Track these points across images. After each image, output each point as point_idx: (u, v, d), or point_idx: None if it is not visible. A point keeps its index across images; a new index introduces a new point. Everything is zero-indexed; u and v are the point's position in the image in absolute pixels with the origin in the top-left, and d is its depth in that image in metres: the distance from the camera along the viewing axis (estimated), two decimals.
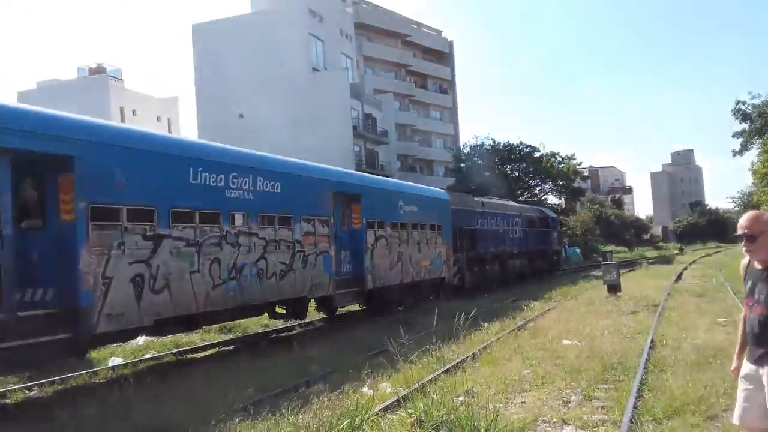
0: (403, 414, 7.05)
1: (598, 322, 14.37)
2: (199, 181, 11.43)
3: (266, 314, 14.81)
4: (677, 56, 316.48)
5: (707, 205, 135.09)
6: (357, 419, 6.52)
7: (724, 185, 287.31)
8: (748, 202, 75.82)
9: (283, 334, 16.89)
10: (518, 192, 54.03)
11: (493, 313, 17.20)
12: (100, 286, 9.27)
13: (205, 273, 11.36)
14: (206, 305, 11.37)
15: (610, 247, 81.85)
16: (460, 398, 8.22)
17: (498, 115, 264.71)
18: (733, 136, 36.96)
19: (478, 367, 10.61)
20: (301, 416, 6.80)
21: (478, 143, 57.01)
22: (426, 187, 25.93)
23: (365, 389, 9.02)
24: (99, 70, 58.40)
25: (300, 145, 36.48)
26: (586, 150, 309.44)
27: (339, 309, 17.81)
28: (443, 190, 26.07)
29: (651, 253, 67.97)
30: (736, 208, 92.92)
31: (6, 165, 8.33)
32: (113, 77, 57.67)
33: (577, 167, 58.17)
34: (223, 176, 11.97)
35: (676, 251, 65.83)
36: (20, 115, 8.88)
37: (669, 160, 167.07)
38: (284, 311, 14.97)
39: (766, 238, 3.79)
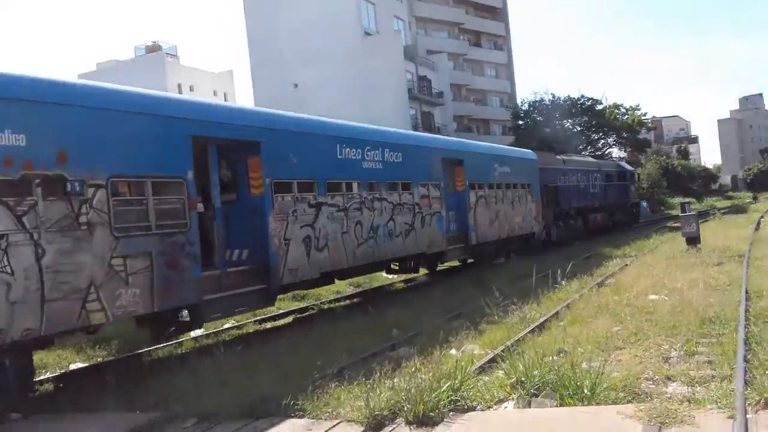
0: (501, 375, 6.90)
1: (683, 275, 13.84)
2: (344, 156, 13.73)
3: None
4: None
5: None
6: (456, 381, 6.38)
7: None
8: None
9: (356, 299, 16.98)
10: (580, 147, 52.59)
11: (574, 268, 16.87)
12: (282, 247, 11.62)
13: (351, 234, 13.62)
14: (353, 261, 13.71)
15: (677, 199, 79.29)
16: (552, 358, 8.00)
17: (555, 69, 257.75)
18: None
19: (564, 326, 10.32)
20: (396, 380, 6.72)
21: (538, 99, 55.54)
22: (516, 148, 28.27)
23: (452, 351, 8.91)
24: (155, 48, 59.32)
25: (356, 111, 36.24)
26: (648, 100, 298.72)
27: (440, 265, 19.15)
28: (531, 151, 26.97)
29: (722, 203, 65.42)
30: None
31: (214, 151, 10.54)
32: (169, 54, 58.51)
33: (642, 118, 56.14)
34: (360, 150, 14.22)
35: (749, 200, 63.14)
36: (220, 110, 11.81)
37: (736, 106, 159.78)
38: (397, 267, 17.20)
39: None
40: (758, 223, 29.71)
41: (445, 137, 20.89)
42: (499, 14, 71.44)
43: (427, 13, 61.16)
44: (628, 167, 40.75)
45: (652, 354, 7.96)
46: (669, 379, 6.95)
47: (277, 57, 49.30)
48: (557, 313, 11.28)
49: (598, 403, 6.05)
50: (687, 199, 45.29)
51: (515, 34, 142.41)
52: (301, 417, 6.44)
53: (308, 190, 12.49)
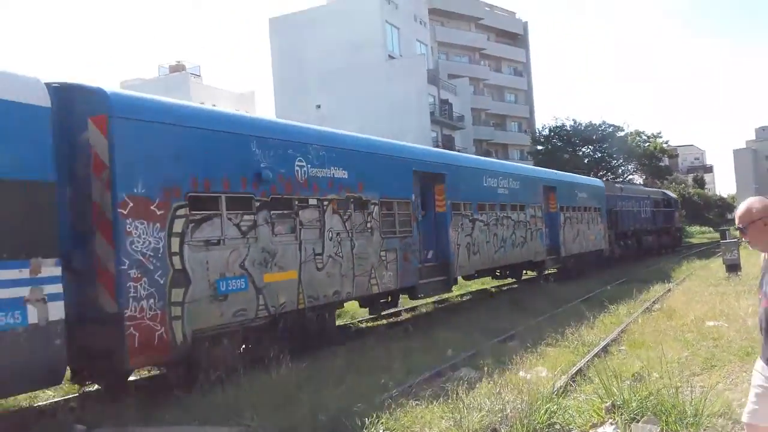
0: (593, 398, 6.62)
1: (737, 302, 13.51)
2: (487, 184, 18.04)
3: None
4: (758, 28, 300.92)
5: None
6: (553, 405, 6.12)
7: None
8: None
9: (392, 319, 16.72)
10: (601, 173, 52.37)
11: (617, 291, 16.63)
12: (455, 250, 15.71)
13: (491, 242, 17.74)
14: (491, 263, 18.06)
15: (695, 228, 78.60)
16: (629, 383, 7.71)
17: (573, 96, 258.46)
18: None
19: (626, 350, 10.07)
20: (483, 400, 6.45)
21: (558, 124, 55.46)
22: (589, 178, 34.21)
23: (521, 373, 8.63)
24: (179, 68, 59.73)
25: (379, 133, 36.11)
26: (666, 128, 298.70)
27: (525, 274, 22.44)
28: (599, 180, 32.98)
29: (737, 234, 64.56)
30: None
31: (417, 180, 14.49)
32: (192, 74, 58.89)
33: (664, 145, 55.87)
34: (496, 180, 18.60)
35: None
36: (425, 152, 16.83)
37: (752, 136, 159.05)
38: (499, 274, 20.68)
39: (755, 228, 3.53)
40: None
41: (543, 169, 27.05)
42: (519, 41, 71.82)
43: (449, 38, 61.57)
44: (673, 195, 45.24)
45: (734, 380, 7.67)
46: None
47: (300, 78, 49.62)
48: (616, 337, 10.99)
49: (704, 430, 5.76)
50: (700, 228, 45.47)
51: (535, 60, 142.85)
52: None
53: (468, 209, 16.76)
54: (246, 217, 9.46)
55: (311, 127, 12.69)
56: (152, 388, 8.26)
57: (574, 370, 8.52)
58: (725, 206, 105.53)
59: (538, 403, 6.13)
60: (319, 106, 48.49)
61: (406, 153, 14.77)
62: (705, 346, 9.62)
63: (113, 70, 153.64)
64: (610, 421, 6.18)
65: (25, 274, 6.59)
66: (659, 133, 56.43)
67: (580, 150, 55.02)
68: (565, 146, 54.26)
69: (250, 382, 8.15)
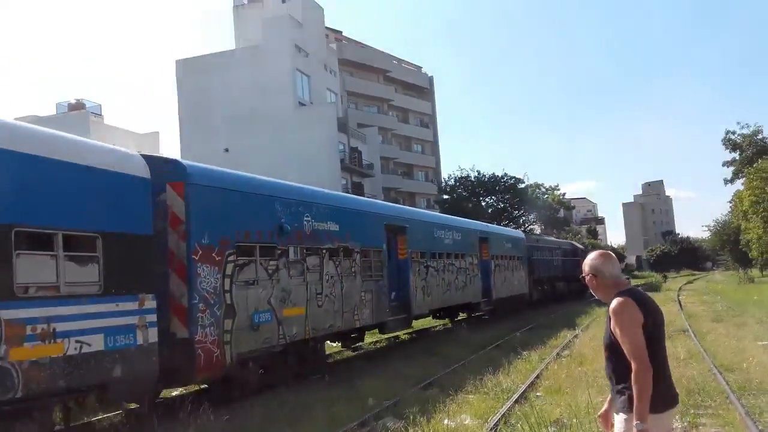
0: None
1: None
2: (437, 236, 20.67)
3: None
4: (650, 93, 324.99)
5: (678, 233, 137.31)
6: None
7: (691, 215, 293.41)
8: (723, 230, 77.27)
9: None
10: (504, 223, 54.16)
11: (528, 338, 16.97)
12: (414, 292, 17.91)
13: (441, 286, 20.20)
14: (441, 303, 20.40)
15: None
16: (550, 429, 7.84)
17: (477, 146, 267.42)
18: (723, 164, 37.67)
19: (543, 396, 10.25)
20: None
21: (463, 175, 57.17)
22: (513, 230, 37.97)
23: (446, 422, 8.58)
24: (78, 106, 57.47)
25: (287, 179, 35.97)
26: (562, 180, 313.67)
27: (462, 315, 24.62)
28: (521, 232, 36.22)
29: (635, 281, 68.26)
30: (709, 236, 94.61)
31: (386, 232, 16.70)
32: (93, 113, 56.78)
33: (561, 198, 58.60)
34: (444, 232, 21.21)
35: (662, 279, 66.51)
36: (393, 208, 20.27)
37: (640, 191, 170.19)
38: (439, 315, 22.68)
39: (590, 281, 3.85)
40: (679, 301, 31.05)
41: (478, 222, 29.77)
42: (426, 94, 74.10)
43: (359, 88, 62.72)
44: (580, 245, 48.89)
45: None
46: None
47: (207, 120, 48.81)
48: (532, 382, 11.18)
49: None
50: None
51: (441, 112, 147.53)
52: None
53: (423, 257, 19.05)
54: (272, 262, 11.73)
55: (314, 188, 15.08)
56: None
57: (497, 417, 8.56)
58: (617, 255, 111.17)
59: None
60: (227, 150, 47.73)
61: (379, 209, 18.06)
62: None
63: (6, 104, 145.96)
64: None
65: (135, 306, 8.55)
66: (557, 185, 59.47)
67: (484, 200, 56.80)
68: (470, 196, 55.89)
69: None
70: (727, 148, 36.17)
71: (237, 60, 49.76)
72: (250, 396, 10.81)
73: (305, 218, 12.86)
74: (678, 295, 37.22)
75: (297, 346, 12.33)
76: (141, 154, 9.40)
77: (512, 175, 57.24)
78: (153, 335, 8.71)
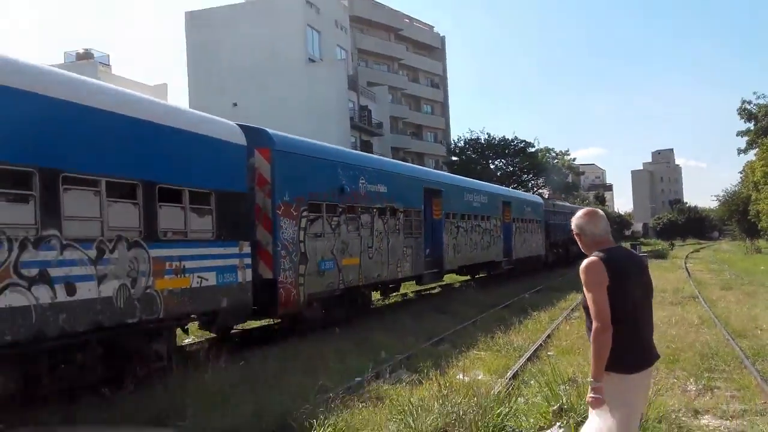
0: (541, 402, 6.65)
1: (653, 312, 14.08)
2: (467, 199, 22.47)
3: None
4: (665, 58, 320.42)
5: (686, 203, 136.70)
6: (507, 408, 6.09)
7: (700, 185, 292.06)
8: (732, 200, 76.80)
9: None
10: (513, 186, 53.95)
11: (537, 302, 17.01)
12: (446, 248, 19.71)
13: (468, 245, 22.05)
14: (469, 261, 22.27)
15: None
16: (565, 387, 7.83)
17: (487, 109, 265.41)
18: (737, 134, 37.14)
19: (555, 355, 10.26)
20: (434, 403, 6.34)
21: (473, 137, 56.73)
22: (532, 195, 40.04)
23: (459, 376, 8.61)
24: (86, 56, 56.88)
25: (298, 134, 35.63)
26: (570, 146, 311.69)
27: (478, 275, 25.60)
28: (540, 197, 39.21)
29: (643, 248, 68.23)
30: (717, 206, 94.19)
31: (424, 194, 18.58)
32: (101, 63, 56.23)
33: (572, 163, 58.20)
34: (473, 195, 23.20)
35: (668, 247, 66.46)
36: (430, 173, 22.18)
37: (649, 159, 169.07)
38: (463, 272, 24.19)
39: (578, 239, 3.97)
40: (687, 269, 31.02)
41: (502, 187, 33.59)
42: (437, 54, 72.99)
43: (369, 46, 61.78)
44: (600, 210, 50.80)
45: (664, 387, 7.92)
46: (698, 412, 6.91)
47: (216, 74, 48.37)
48: (543, 342, 11.21)
49: None
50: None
51: (452, 73, 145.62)
52: None
53: (455, 218, 20.94)
54: (334, 218, 13.68)
55: (368, 155, 19.21)
56: (76, 388, 7.65)
57: (510, 373, 8.59)
58: (623, 222, 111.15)
59: (490, 406, 6.08)
60: (235, 104, 47.33)
61: (419, 173, 20.41)
62: None
63: (14, 53, 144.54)
64: (558, 424, 6.21)
65: (236, 250, 10.51)
66: (567, 150, 58.96)
67: (493, 163, 56.49)
68: (479, 159, 55.57)
69: (181, 382, 7.71)
70: (742, 118, 35.63)
71: (247, 13, 49.02)
72: (270, 343, 10.99)
73: (360, 181, 14.87)
74: (685, 263, 37.18)
75: (351, 291, 14.36)
76: (237, 124, 11.29)
77: (522, 138, 56.84)
78: (248, 275, 10.76)
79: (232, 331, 12.62)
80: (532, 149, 56.38)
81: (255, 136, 11.62)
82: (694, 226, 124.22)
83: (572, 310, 15.71)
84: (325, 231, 13.21)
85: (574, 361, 9.42)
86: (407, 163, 21.52)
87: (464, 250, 21.55)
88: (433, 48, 72.55)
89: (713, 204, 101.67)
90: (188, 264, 9.28)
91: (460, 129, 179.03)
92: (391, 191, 16.12)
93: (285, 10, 48.33)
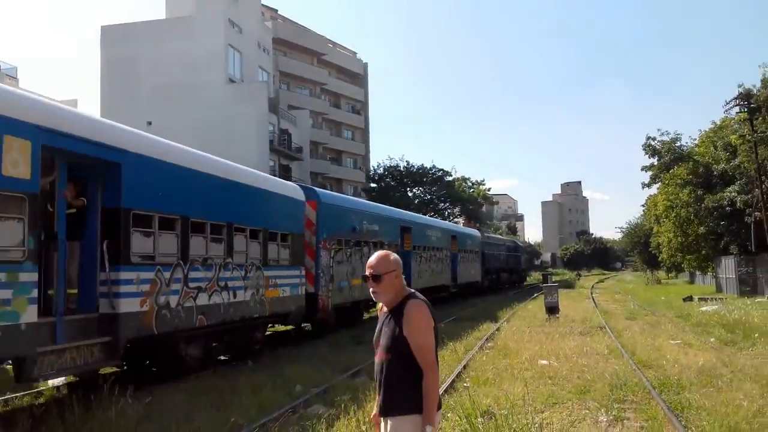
0: None
1: (562, 342, 14.49)
2: (428, 234, 28.42)
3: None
4: (578, 97, 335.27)
5: (592, 234, 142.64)
6: None
7: (605, 217, 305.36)
8: (634, 232, 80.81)
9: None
10: (430, 215, 54.72)
11: (453, 330, 17.13)
12: (413, 273, 24.92)
13: (428, 271, 27.54)
14: (428, 284, 26.35)
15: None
16: (480, 419, 7.88)
17: (405, 135, 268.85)
18: (642, 169, 39.32)
19: (472, 386, 10.32)
20: None
21: (392, 164, 57.31)
22: (472, 229, 43.79)
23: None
24: None
25: (216, 155, 34.92)
26: (486, 176, 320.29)
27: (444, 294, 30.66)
28: (477, 231, 43.11)
29: (556, 278, 70.49)
30: (621, 237, 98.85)
31: (400, 231, 24.57)
32: (8, 75, 53.53)
33: (486, 192, 59.63)
34: (432, 231, 29.25)
35: (575, 277, 68.90)
36: (403, 214, 27.23)
37: (558, 191, 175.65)
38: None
39: (390, 279, 3.66)
40: (593, 299, 32.20)
41: (452, 223, 42.90)
42: (359, 80, 73.65)
43: (292, 69, 61.67)
44: (521, 243, 59.94)
45: (576, 417, 8.10)
46: None
47: (131, 91, 46.89)
48: (459, 373, 11.26)
49: None
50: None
51: (373, 100, 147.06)
52: None
53: (419, 249, 26.56)
54: (348, 250, 19.11)
55: (368, 202, 25.02)
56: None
57: None
58: (533, 252, 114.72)
59: None
60: (150, 123, 45.98)
61: (398, 215, 25.53)
62: (543, 384, 10.13)
63: None
64: None
65: (299, 273, 15.59)
66: (482, 180, 60.28)
67: (411, 191, 57.18)
68: (398, 186, 56.13)
69: (83, 419, 7.24)
70: (646, 153, 37.78)
71: (167, 30, 47.97)
72: (176, 379, 10.48)
73: (363, 222, 20.50)
74: (591, 293, 38.59)
75: (355, 303, 19.77)
76: (297, 184, 17.86)
77: (440, 167, 57.89)
78: (303, 290, 15.82)
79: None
80: (449, 178, 57.47)
81: (308, 192, 17.27)
82: (599, 256, 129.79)
83: (486, 339, 15.93)
84: (344, 259, 18.71)
85: (490, 393, 9.52)
86: (391, 207, 26.95)
87: (425, 275, 26.75)
88: (355, 74, 73.18)
89: (617, 235, 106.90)
90: (279, 281, 14.42)
91: (379, 156, 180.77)
92: (381, 229, 21.82)
93: (206, 29, 47.57)
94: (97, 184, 9.33)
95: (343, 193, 63.37)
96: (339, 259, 18.19)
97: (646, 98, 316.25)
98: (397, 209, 26.84)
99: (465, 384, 10.51)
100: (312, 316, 16.70)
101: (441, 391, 9.60)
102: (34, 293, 7.35)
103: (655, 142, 38.06)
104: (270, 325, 15.96)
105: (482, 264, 39.14)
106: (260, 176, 15.00)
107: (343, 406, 8.27)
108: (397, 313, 3.63)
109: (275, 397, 9.51)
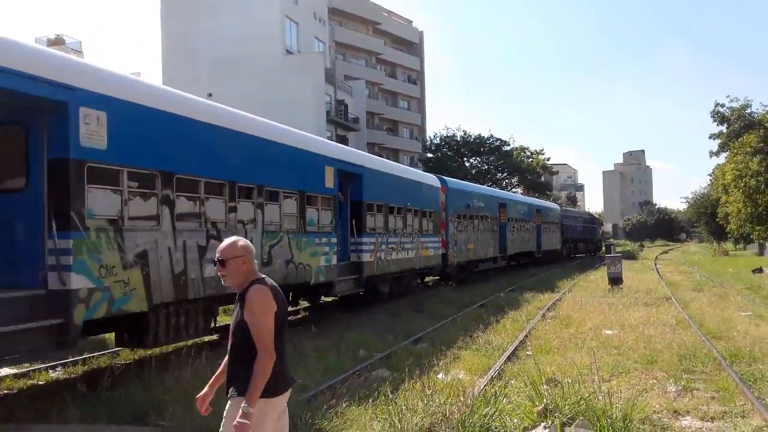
0: (525, 402, 6.63)
1: (627, 313, 14.23)
2: (517, 209, 33.33)
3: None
4: (638, 65, 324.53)
5: (656, 204, 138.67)
6: (493, 408, 6.05)
7: (669, 187, 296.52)
8: (701, 202, 78.20)
9: (291, 317, 16.25)
10: (487, 185, 54.12)
11: (514, 297, 17.05)
12: (508, 242, 31.27)
13: (520, 238, 33.37)
14: (519, 249, 33.10)
15: None
16: (545, 387, 7.82)
17: (462, 107, 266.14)
18: (710, 137, 37.74)
19: (535, 355, 10.26)
20: (420, 402, 6.28)
21: (449, 134, 56.78)
22: (552, 203, 50.22)
23: (440, 375, 8.57)
24: (58, 42, 55.78)
25: (273, 124, 35.22)
26: (546, 145, 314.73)
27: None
28: (557, 205, 49.35)
29: (619, 249, 68.92)
30: (686, 208, 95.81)
31: (497, 205, 30.43)
32: (74, 50, 55.11)
33: (546, 162, 58.58)
34: (521, 206, 34.42)
35: (638, 248, 67.39)
36: (502, 194, 36.44)
37: (620, 160, 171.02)
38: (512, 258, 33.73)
39: (236, 264, 3.69)
40: (657, 270, 31.43)
41: (537, 199, 44.40)
42: (415, 49, 72.90)
43: (347, 39, 61.48)
44: (596, 216, 64.78)
45: (646, 387, 7.97)
46: (677, 413, 6.95)
47: (191, 64, 47.65)
48: (522, 342, 11.22)
49: None
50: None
51: (428, 70, 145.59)
52: None
53: (512, 221, 31.37)
54: (465, 222, 24.82)
55: (477, 185, 32.54)
56: (57, 386, 7.44)
57: (493, 373, 8.56)
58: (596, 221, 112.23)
59: (477, 405, 6.04)
60: (210, 95, 46.57)
61: (495, 194, 31.74)
62: (608, 354, 9.99)
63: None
64: (544, 424, 6.19)
65: (438, 238, 22.07)
66: (542, 149, 59.21)
67: (468, 161, 56.64)
68: (455, 156, 55.66)
69: (161, 379, 7.54)
70: (714, 121, 36.18)
71: (225, 3, 48.35)
72: None
73: (474, 201, 26.23)
74: (655, 264, 37.69)
75: (470, 262, 25.85)
76: (435, 175, 23.68)
77: (498, 137, 57.05)
78: (440, 251, 21.88)
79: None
80: (507, 147, 56.63)
81: (441, 180, 23.29)
82: (663, 227, 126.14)
83: (548, 309, 15.79)
84: (462, 229, 24.46)
85: (553, 361, 9.47)
86: (491, 188, 34.63)
87: (516, 243, 32.10)
88: (411, 43, 72.43)
89: (682, 206, 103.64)
90: (428, 245, 20.65)
91: (436, 126, 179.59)
92: (485, 206, 27.58)
93: (263, 1, 47.81)
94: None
95: (401, 163, 63.30)
96: (459, 229, 24.02)
97: (713, 65, 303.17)
98: (496, 189, 32.60)
99: (527, 352, 10.47)
100: (444, 270, 22.64)
101: (504, 357, 9.63)
102: None
103: (724, 108, 36.48)
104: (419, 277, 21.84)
105: (561, 234, 43.94)
106: (417, 172, 23.40)
107: (407, 370, 8.35)
108: (242, 297, 3.69)
109: (340, 361, 9.68)
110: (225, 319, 12.06)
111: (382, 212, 16.94)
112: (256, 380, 3.52)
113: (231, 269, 3.72)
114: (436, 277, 24.08)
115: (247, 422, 3.44)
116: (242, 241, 3.82)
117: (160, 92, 9.72)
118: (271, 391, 3.62)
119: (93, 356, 10.36)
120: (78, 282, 7.22)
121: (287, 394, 3.82)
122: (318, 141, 14.96)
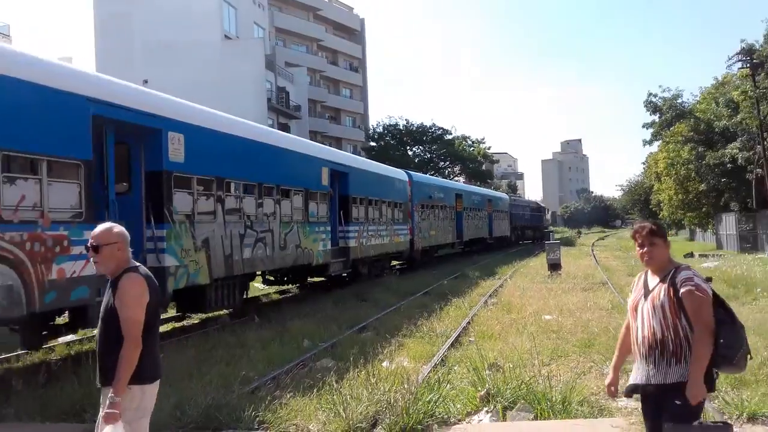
0: (468, 388, 6.70)
1: (565, 298, 14.57)
2: (472, 198, 37.12)
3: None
4: (581, 56, 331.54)
5: (592, 192, 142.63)
6: (437, 394, 6.09)
7: (605, 175, 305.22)
8: (635, 190, 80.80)
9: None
10: (430, 173, 54.54)
11: (455, 286, 17.22)
12: (464, 228, 34.57)
13: (474, 225, 37.09)
14: (474, 236, 36.98)
15: None
16: (487, 372, 7.94)
17: (404, 95, 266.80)
18: (643, 126, 38.92)
19: (477, 341, 10.40)
20: (364, 390, 6.27)
21: (392, 123, 56.88)
22: (502, 193, 56.44)
23: (385, 363, 8.59)
24: None
25: (213, 113, 34.50)
26: (487, 135, 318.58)
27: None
28: (506, 195, 54.19)
29: (557, 236, 70.56)
30: (621, 195, 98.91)
31: (454, 196, 33.88)
32: (1, 33, 52.69)
33: (487, 151, 59.36)
34: (475, 196, 38.75)
35: (576, 235, 69.14)
36: (457, 185, 41.13)
37: (558, 149, 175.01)
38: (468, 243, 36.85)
39: (110, 250, 3.65)
40: (594, 256, 32.33)
41: (487, 190, 49.54)
42: (356, 36, 72.55)
43: (288, 25, 60.68)
44: (542, 204, 69.87)
45: (583, 370, 8.17)
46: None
47: (126, 49, 46.17)
48: (464, 328, 11.36)
49: (572, 417, 6.04)
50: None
51: (370, 57, 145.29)
52: (267, 429, 5.80)
53: (470, 210, 35.75)
54: (426, 211, 27.72)
55: (438, 179, 40.44)
56: None
57: (436, 360, 8.64)
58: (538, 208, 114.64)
59: (420, 392, 6.07)
60: (146, 81, 45.28)
61: (453, 186, 35.88)
62: (547, 338, 10.21)
63: None
64: (486, 409, 6.29)
65: (406, 227, 24.88)
66: (483, 138, 59.95)
67: (411, 149, 56.89)
68: (398, 145, 55.81)
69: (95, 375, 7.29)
70: (647, 110, 37.41)
71: None
72: (190, 333, 10.66)
73: (435, 192, 29.15)
74: (592, 250, 38.74)
75: (431, 247, 28.41)
76: (403, 171, 26.82)
77: (440, 126, 57.48)
78: (408, 238, 24.52)
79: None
80: (450, 136, 57.11)
81: (408, 175, 26.05)
82: (599, 214, 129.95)
83: (490, 295, 16.04)
84: (425, 217, 27.08)
85: (495, 346, 9.61)
86: (448, 180, 38.58)
87: (471, 230, 35.48)
88: (352, 30, 72.02)
89: (617, 193, 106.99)
90: (398, 232, 23.27)
91: (378, 114, 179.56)
92: (444, 196, 30.36)
93: None
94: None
95: (343, 151, 62.94)
96: (423, 218, 26.84)
97: (647, 53, 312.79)
98: (454, 182, 35.58)
99: (470, 338, 10.61)
100: (411, 254, 25.29)
101: (447, 344, 9.73)
102: None
103: (657, 98, 37.64)
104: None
105: (510, 222, 47.27)
106: (390, 169, 25.66)
107: (351, 359, 8.34)
108: (114, 285, 3.64)
109: (284, 352, 9.61)
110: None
111: (363, 204, 19.89)
112: (122, 370, 3.46)
113: (105, 255, 3.64)
114: (403, 264, 26.83)
115: (116, 411, 3.38)
116: (117, 227, 3.74)
117: (214, 116, 12.56)
118: (149, 377, 3.62)
119: (27, 353, 9.98)
120: (169, 261, 10.03)
121: (158, 382, 3.79)
122: (317, 147, 18.89)
